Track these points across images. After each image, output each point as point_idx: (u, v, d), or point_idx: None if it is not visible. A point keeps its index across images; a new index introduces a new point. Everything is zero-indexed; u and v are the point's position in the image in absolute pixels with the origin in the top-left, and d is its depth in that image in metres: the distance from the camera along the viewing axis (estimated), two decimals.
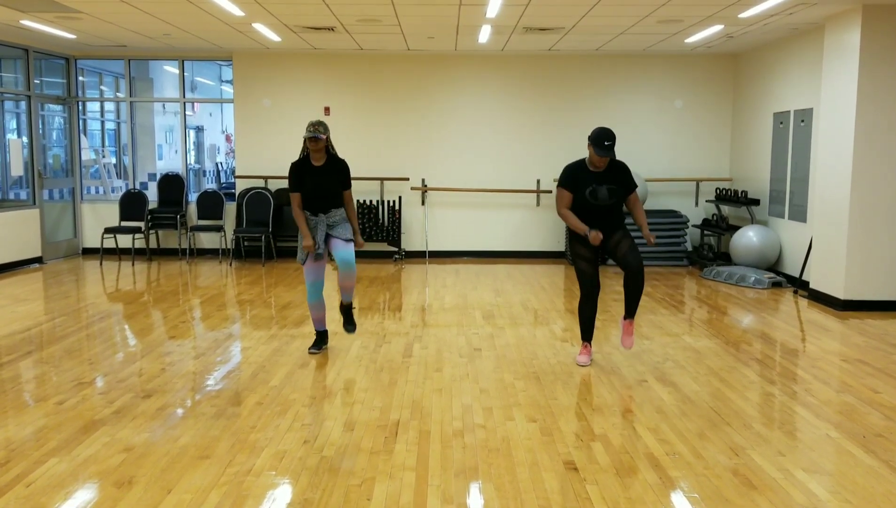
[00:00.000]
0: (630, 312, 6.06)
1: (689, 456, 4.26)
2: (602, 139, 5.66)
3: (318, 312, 6.40)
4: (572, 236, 5.99)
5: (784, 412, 5.08)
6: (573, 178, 5.85)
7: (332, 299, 7.55)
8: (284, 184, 12.01)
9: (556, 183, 6.03)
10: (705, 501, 3.71)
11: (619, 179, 5.83)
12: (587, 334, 6.16)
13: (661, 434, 4.60)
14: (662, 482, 3.93)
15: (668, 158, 11.98)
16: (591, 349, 6.27)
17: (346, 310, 6.49)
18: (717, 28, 9.50)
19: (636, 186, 5.97)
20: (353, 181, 6.31)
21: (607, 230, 5.87)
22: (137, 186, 12.53)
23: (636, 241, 5.91)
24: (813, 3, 7.92)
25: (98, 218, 12.34)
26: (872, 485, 3.92)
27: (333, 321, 7.40)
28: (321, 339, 6.50)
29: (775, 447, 4.42)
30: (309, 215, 6.17)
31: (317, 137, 5.97)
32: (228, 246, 12.01)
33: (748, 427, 4.74)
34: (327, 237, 6.17)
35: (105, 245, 11.66)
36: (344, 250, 6.11)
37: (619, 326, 6.33)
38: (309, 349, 6.45)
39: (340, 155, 6.31)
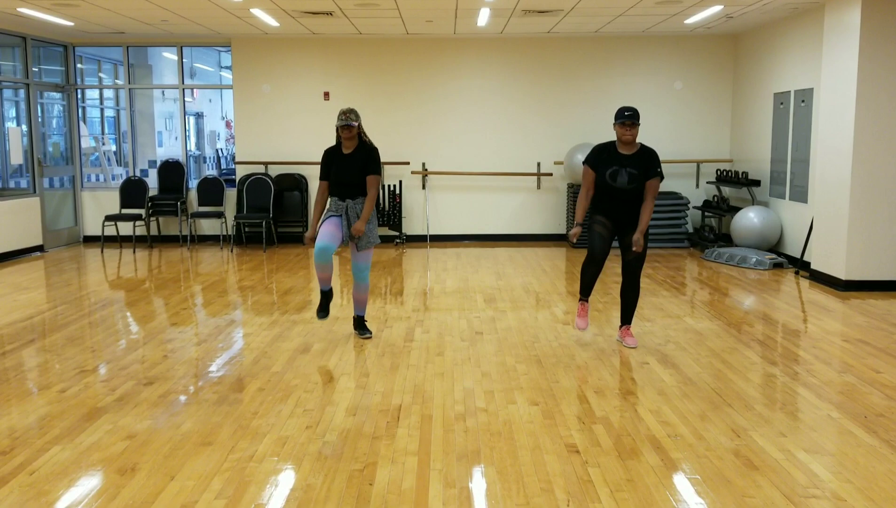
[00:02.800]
0: (627, 318, 6.13)
1: (690, 438, 4.27)
2: (622, 110, 5.79)
3: (324, 272, 6.24)
4: (595, 208, 6.03)
5: (785, 392, 5.09)
6: (598, 156, 5.92)
7: (339, 299, 7.53)
8: (285, 169, 12.01)
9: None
10: (707, 482, 3.72)
11: (644, 164, 5.83)
12: (586, 291, 6.15)
13: (663, 416, 4.61)
14: (664, 463, 3.94)
15: (669, 139, 11.94)
16: (588, 309, 6.27)
17: (359, 322, 6.51)
18: (716, 8, 9.45)
19: (658, 172, 5.86)
20: None
21: (629, 223, 5.89)
22: (137, 174, 12.51)
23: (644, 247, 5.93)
24: None
25: (99, 206, 12.33)
26: (874, 465, 3.93)
27: (339, 308, 7.40)
28: (326, 299, 6.38)
29: (777, 428, 4.43)
30: (337, 200, 6.19)
31: (349, 124, 6.00)
32: (229, 232, 12.00)
33: (750, 409, 4.74)
34: (350, 226, 6.17)
35: (106, 233, 11.66)
36: (361, 261, 6.22)
37: (618, 334, 6.33)
38: (317, 312, 6.41)
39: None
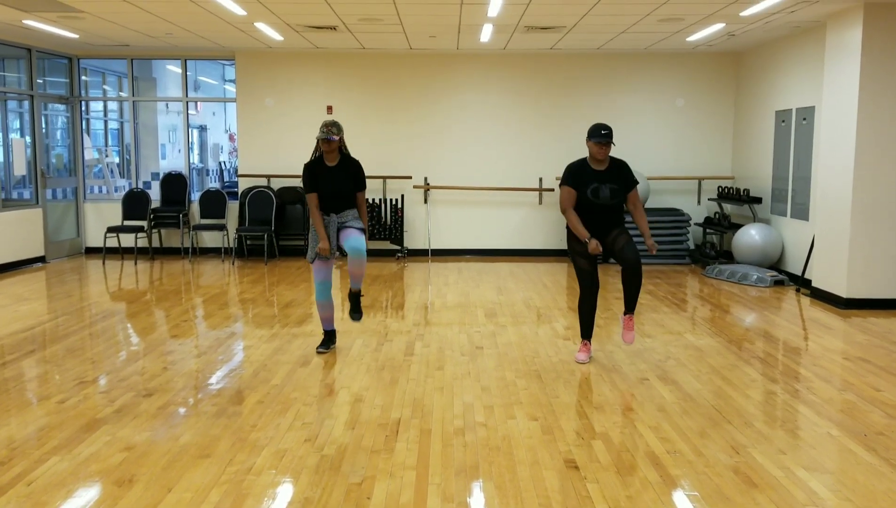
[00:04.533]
0: (630, 307, 6.06)
1: (689, 455, 4.26)
2: (598, 129, 5.82)
3: (325, 311, 6.37)
4: (570, 234, 6.00)
5: (785, 410, 5.08)
6: (575, 176, 5.89)
7: (339, 301, 7.54)
8: (287, 183, 12.03)
9: (559, 182, 6.06)
10: (706, 499, 3.71)
11: (621, 177, 5.89)
12: (587, 331, 6.18)
13: (662, 433, 4.60)
14: (663, 480, 3.93)
15: (670, 156, 11.96)
16: (591, 348, 6.28)
17: (354, 297, 6.40)
18: (718, 26, 9.49)
19: (637, 182, 6.00)
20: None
21: (606, 229, 5.89)
22: (140, 186, 12.55)
23: (636, 242, 5.95)
24: (814, 0, 7.90)
25: (101, 217, 12.36)
26: (873, 483, 3.92)
27: (339, 321, 7.40)
28: (329, 338, 6.48)
29: (776, 445, 4.42)
30: (322, 215, 6.14)
31: (329, 138, 5.94)
32: (231, 245, 12.01)
33: (749, 426, 4.73)
34: (339, 229, 6.13)
35: (108, 244, 11.67)
36: (355, 238, 6.06)
37: (620, 322, 6.33)
38: (317, 348, 6.43)
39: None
